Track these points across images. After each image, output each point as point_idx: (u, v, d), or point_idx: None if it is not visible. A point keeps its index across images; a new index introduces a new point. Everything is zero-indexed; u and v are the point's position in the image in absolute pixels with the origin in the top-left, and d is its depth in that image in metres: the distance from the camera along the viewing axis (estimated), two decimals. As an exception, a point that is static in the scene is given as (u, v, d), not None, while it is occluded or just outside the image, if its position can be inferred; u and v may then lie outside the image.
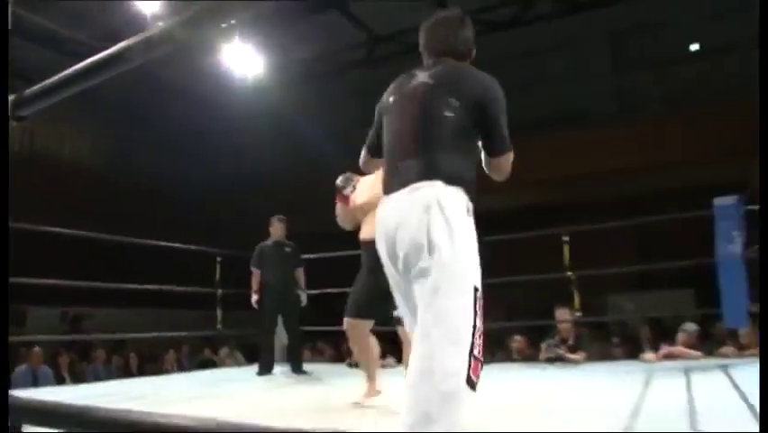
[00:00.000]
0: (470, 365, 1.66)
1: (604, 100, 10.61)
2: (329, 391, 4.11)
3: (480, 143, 2.00)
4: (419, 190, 1.82)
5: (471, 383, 1.65)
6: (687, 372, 4.08)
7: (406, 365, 3.17)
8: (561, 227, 5.51)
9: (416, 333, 1.75)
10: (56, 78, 1.43)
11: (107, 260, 7.73)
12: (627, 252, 8.97)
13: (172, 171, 11.48)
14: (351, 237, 3.53)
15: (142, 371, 8.18)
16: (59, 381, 7.03)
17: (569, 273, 5.21)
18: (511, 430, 2.45)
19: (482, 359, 1.71)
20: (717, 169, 7.81)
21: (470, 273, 1.77)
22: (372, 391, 3.37)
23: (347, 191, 3.37)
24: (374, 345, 3.49)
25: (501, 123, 1.97)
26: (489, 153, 2.00)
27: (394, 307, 3.11)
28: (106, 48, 1.38)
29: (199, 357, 8.88)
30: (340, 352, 7.46)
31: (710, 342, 5.45)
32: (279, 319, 5.70)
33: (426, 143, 1.90)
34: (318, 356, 7.75)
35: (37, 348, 6.77)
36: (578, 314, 5.36)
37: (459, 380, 1.63)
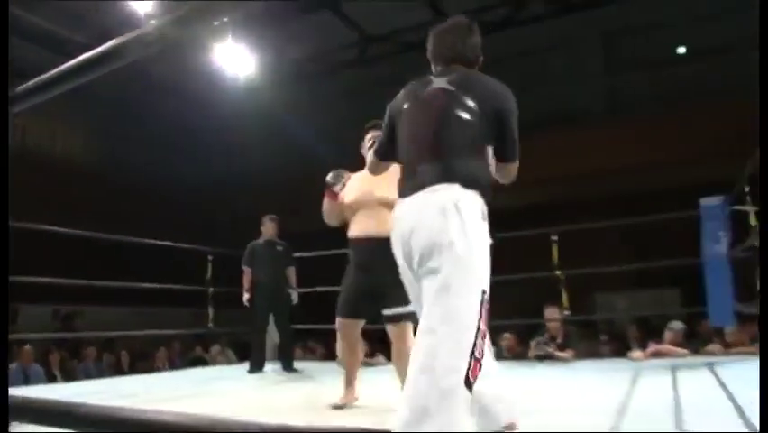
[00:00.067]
0: (469, 365, 1.68)
1: (596, 100, 10.68)
2: (320, 389, 4.13)
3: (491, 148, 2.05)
4: (436, 192, 1.87)
5: (469, 383, 1.68)
6: (673, 369, 4.13)
7: (396, 363, 3.20)
8: (550, 227, 5.55)
9: (420, 327, 1.77)
10: (47, 74, 1.45)
11: (99, 257, 7.72)
12: (616, 251, 9.02)
13: (164, 170, 11.47)
14: (342, 236, 3.52)
15: (134, 369, 8.17)
16: (51, 379, 7.02)
17: (557, 272, 5.25)
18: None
19: (482, 361, 1.74)
20: (705, 169, 7.86)
21: (481, 275, 1.81)
22: (350, 396, 3.34)
23: (337, 188, 3.34)
24: (360, 350, 3.49)
25: (515, 130, 2.05)
26: (502, 159, 2.07)
27: (384, 305, 3.15)
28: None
29: (191, 355, 8.88)
30: (331, 350, 7.48)
31: (697, 340, 5.51)
32: (271, 318, 5.73)
33: (445, 147, 1.95)
34: (310, 355, 7.77)
35: (28, 346, 6.76)
36: (566, 312, 5.41)
37: (459, 378, 1.66)
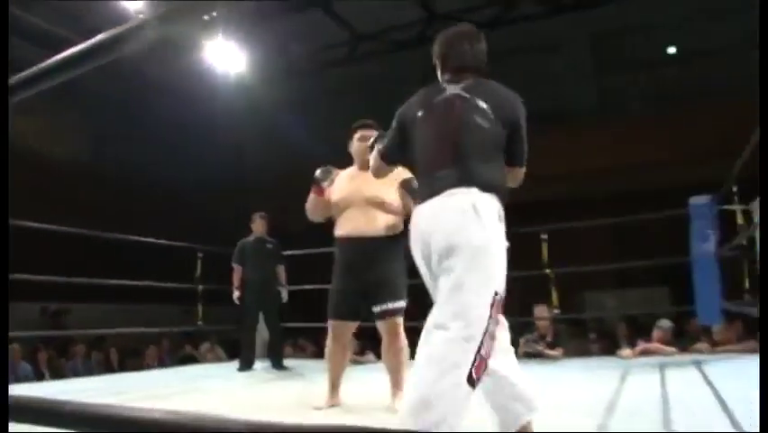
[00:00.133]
0: (474, 363, 1.73)
1: (585, 100, 10.72)
2: (309, 387, 4.13)
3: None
4: (455, 196, 1.92)
5: (472, 381, 1.72)
6: (662, 367, 4.16)
7: (387, 359, 3.19)
8: (540, 225, 5.57)
9: (430, 322, 1.82)
10: (34, 69, 1.43)
11: (88, 255, 7.68)
12: (606, 250, 9.08)
13: (154, 167, 11.42)
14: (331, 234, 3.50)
15: (123, 366, 8.13)
16: (39, 377, 6.98)
17: (547, 271, 5.27)
18: (489, 426, 2.49)
19: (488, 360, 1.78)
20: (694, 169, 7.92)
21: (495, 276, 1.85)
22: (334, 399, 3.32)
23: (324, 184, 3.31)
24: (348, 352, 3.46)
25: (525, 136, 2.12)
26: (511, 164, 2.13)
27: (374, 301, 3.14)
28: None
29: (180, 353, 8.86)
30: (321, 348, 7.47)
31: (685, 338, 5.54)
32: (261, 316, 5.72)
33: (463, 153, 2.00)
34: (300, 352, 7.77)
35: (15, 345, 6.72)
36: (556, 311, 5.43)
37: (462, 374, 1.71)
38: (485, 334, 1.76)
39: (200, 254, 6.19)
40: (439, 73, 2.30)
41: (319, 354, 7.43)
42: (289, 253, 6.03)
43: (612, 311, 9.30)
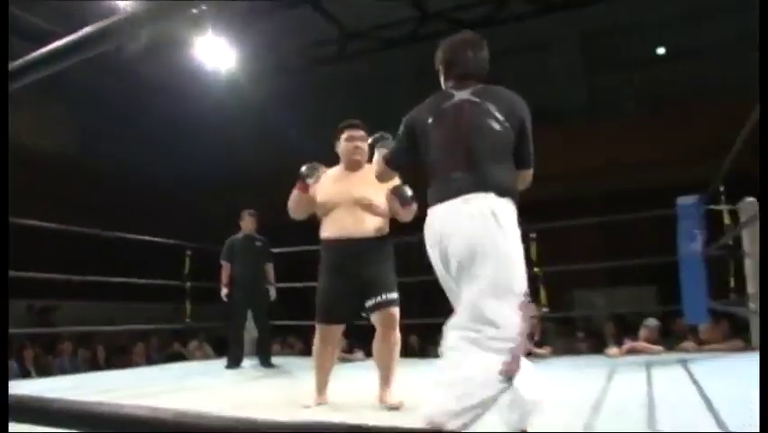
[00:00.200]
0: (511, 361, 1.88)
1: (575, 100, 10.76)
2: (297, 384, 4.12)
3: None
4: (473, 201, 2.00)
5: (509, 377, 1.88)
6: (648, 366, 4.17)
7: (379, 351, 3.17)
8: (529, 224, 5.59)
9: (462, 326, 1.93)
10: (20, 61, 1.41)
11: (76, 251, 7.63)
12: (595, 249, 9.12)
13: (143, 163, 11.37)
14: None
15: (110, 364, 8.09)
16: (25, 375, 6.92)
17: (536, 269, 5.29)
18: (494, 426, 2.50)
19: (522, 358, 1.94)
20: (685, 168, 7.97)
21: (521, 278, 1.98)
22: (322, 398, 3.30)
23: (310, 180, 3.28)
24: (336, 353, 3.44)
25: (531, 139, 2.20)
26: (522, 165, 2.20)
27: (369, 295, 3.12)
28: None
29: (168, 350, 8.82)
30: (310, 346, 7.47)
31: (672, 337, 5.58)
32: (249, 313, 5.71)
33: (478, 156, 2.08)
34: (288, 350, 7.76)
35: (1, 342, 6.66)
36: (544, 309, 5.45)
37: (500, 372, 1.85)
38: (519, 335, 1.90)
39: (189, 252, 6.17)
40: (442, 79, 2.35)
41: (307, 351, 7.38)
42: (278, 250, 6.01)
43: (601, 310, 9.34)
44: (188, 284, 6.17)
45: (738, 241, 4.60)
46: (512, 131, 2.13)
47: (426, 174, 2.23)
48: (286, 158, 11.21)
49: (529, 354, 5.56)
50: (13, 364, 6.82)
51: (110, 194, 10.63)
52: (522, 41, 10.30)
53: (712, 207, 4.49)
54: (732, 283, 4.58)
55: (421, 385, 3.22)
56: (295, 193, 3.34)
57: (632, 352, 5.13)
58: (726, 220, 4.46)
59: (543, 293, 5.37)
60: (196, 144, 11.92)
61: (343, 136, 3.36)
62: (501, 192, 2.03)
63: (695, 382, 3.43)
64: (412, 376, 3.40)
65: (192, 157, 11.98)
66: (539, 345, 5.49)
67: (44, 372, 7.23)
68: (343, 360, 5.34)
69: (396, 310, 3.16)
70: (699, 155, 7.27)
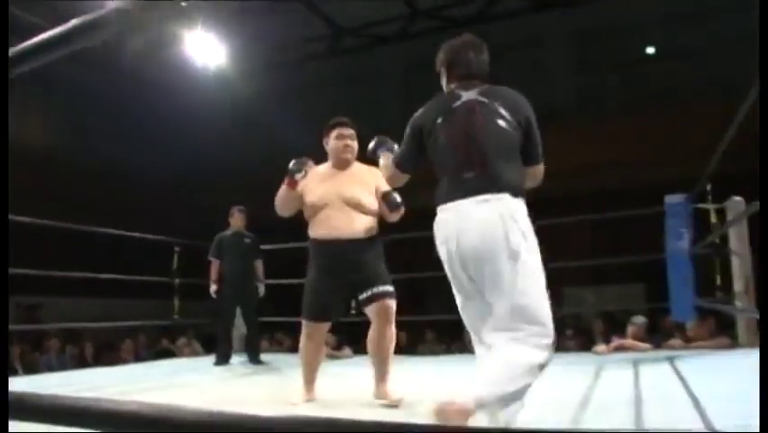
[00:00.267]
0: (549, 355, 2.05)
1: (566, 98, 10.79)
2: (286, 381, 4.12)
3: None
4: (490, 203, 2.07)
5: (542, 367, 2.04)
6: (635, 363, 4.20)
7: (375, 344, 3.15)
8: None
9: (500, 327, 2.05)
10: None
11: (63, 247, 7.58)
12: (584, 247, 9.16)
13: (132, 159, 11.30)
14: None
15: (98, 361, 8.05)
16: (11, 372, 6.88)
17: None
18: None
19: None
20: (670, 167, 8.01)
21: (542, 274, 2.11)
22: (310, 395, 3.29)
23: (298, 176, 3.26)
24: (323, 349, 3.43)
25: (538, 134, 2.27)
26: (531, 162, 2.27)
27: (363, 288, 3.11)
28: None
29: (157, 347, 8.78)
30: (298, 343, 7.46)
31: (659, 334, 5.61)
32: (238, 310, 5.70)
33: (488, 155, 2.13)
34: (277, 346, 7.75)
35: (-13, 339, 6.60)
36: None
37: (539, 368, 2.02)
38: (553, 329, 2.06)
39: (177, 248, 6.14)
40: (444, 81, 2.40)
41: (296, 348, 7.38)
42: (267, 247, 6.00)
43: (590, 307, 9.37)
44: (177, 281, 6.14)
45: (725, 239, 4.64)
46: (519, 129, 2.19)
47: (435, 173, 2.27)
48: (276, 154, 11.23)
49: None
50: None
51: (98, 190, 10.57)
52: (514, 39, 10.33)
53: (699, 205, 4.52)
54: (718, 281, 4.61)
55: (415, 382, 3.25)
56: (283, 189, 3.30)
57: (620, 349, 5.16)
58: (713, 219, 4.49)
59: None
60: (185, 140, 11.88)
61: (333, 134, 3.34)
62: (515, 192, 2.11)
63: (681, 379, 3.45)
64: (401, 374, 3.41)
65: (181, 153, 11.93)
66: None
67: (31, 369, 7.19)
68: (332, 357, 5.34)
69: (392, 303, 3.14)
70: (687, 154, 7.31)
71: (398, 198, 3.15)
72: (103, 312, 8.30)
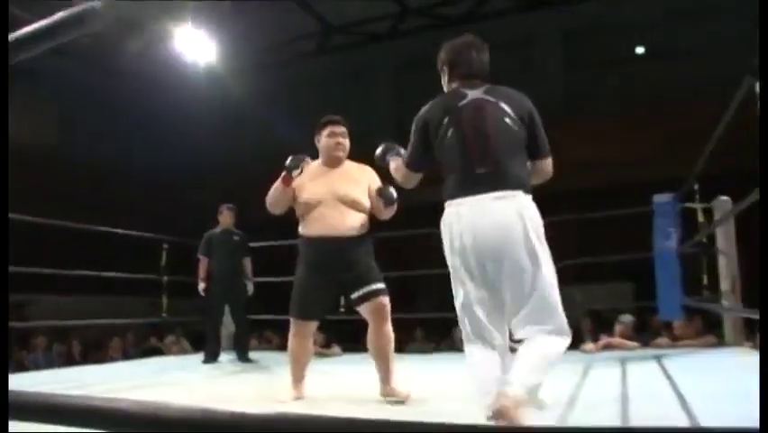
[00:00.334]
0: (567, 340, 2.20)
1: (556, 97, 10.82)
2: (274, 379, 4.11)
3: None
4: (506, 199, 2.14)
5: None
6: (623, 362, 4.22)
7: (376, 342, 3.13)
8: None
9: (527, 322, 2.15)
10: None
11: (51, 244, 7.53)
12: (573, 245, 9.19)
13: (121, 155, 11.24)
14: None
15: (86, 359, 8.00)
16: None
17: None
18: (453, 418, 2.51)
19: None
20: (658, 167, 8.06)
21: (554, 269, 2.23)
22: (298, 392, 3.28)
23: (295, 173, 3.22)
24: (311, 346, 3.41)
25: (543, 129, 2.32)
26: (539, 156, 2.32)
27: (357, 286, 3.10)
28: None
29: (145, 345, 8.75)
30: (287, 341, 7.45)
31: (647, 333, 5.64)
32: (226, 308, 5.68)
33: (500, 153, 2.19)
34: (265, 344, 7.74)
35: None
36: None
37: (563, 352, 2.19)
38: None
39: (165, 245, 6.10)
40: (446, 80, 2.44)
41: (285, 346, 7.38)
42: (256, 244, 5.99)
43: (578, 306, 9.40)
44: (165, 278, 6.11)
45: (712, 239, 4.67)
46: (524, 126, 2.24)
47: (440, 171, 2.30)
48: (266, 151, 11.21)
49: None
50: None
51: (86, 186, 10.49)
52: (503, 38, 10.34)
53: (687, 205, 4.55)
54: (705, 280, 4.65)
55: (407, 381, 3.25)
56: (277, 186, 3.26)
57: (608, 348, 5.19)
58: (701, 218, 4.52)
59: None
60: (175, 137, 11.82)
61: (325, 132, 3.32)
62: (526, 190, 2.19)
63: (668, 377, 3.48)
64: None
65: (170, 149, 11.87)
66: (517, 340, 5.52)
67: (18, 367, 7.14)
68: (321, 355, 5.34)
69: (386, 300, 3.14)
70: (674, 154, 7.36)
71: (395, 193, 3.12)
72: (91, 310, 8.25)
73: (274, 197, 3.29)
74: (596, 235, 8.79)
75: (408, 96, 12.39)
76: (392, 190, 3.13)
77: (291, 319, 3.26)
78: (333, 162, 3.32)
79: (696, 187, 4.44)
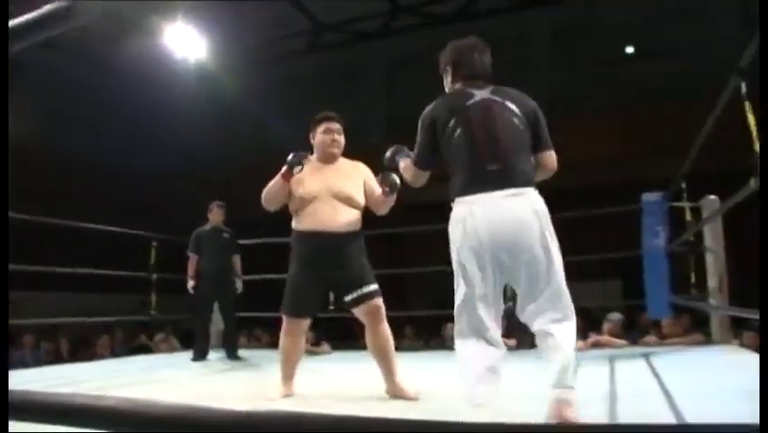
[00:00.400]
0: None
1: (545, 96, 10.85)
2: (263, 377, 4.11)
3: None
4: (520, 196, 2.20)
5: None
6: (611, 360, 4.25)
7: (376, 343, 3.13)
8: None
9: (550, 318, 2.22)
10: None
11: (39, 241, 7.47)
12: (562, 243, 9.22)
13: (110, 151, 11.18)
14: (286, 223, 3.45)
15: (74, 357, 7.95)
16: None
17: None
18: (443, 416, 2.51)
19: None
20: (647, 166, 8.10)
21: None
22: (288, 390, 3.26)
23: (296, 170, 3.19)
24: (302, 348, 3.39)
25: (545, 124, 2.40)
26: (542, 147, 2.37)
27: (352, 288, 3.10)
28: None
29: (134, 343, 8.71)
30: (277, 338, 7.44)
31: (635, 331, 5.68)
32: (215, 306, 5.67)
33: (510, 151, 2.24)
34: (255, 342, 7.73)
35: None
36: (510, 304, 5.49)
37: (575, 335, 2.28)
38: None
39: (154, 243, 6.08)
40: (449, 80, 2.48)
41: (274, 344, 7.38)
42: (245, 242, 5.98)
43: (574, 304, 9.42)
44: (154, 276, 6.09)
45: (700, 237, 4.71)
46: (529, 125, 2.31)
47: (449, 167, 2.33)
48: (257, 149, 11.19)
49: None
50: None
51: (75, 183, 10.42)
52: (493, 37, 10.34)
53: (675, 204, 4.57)
54: (693, 279, 4.68)
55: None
56: (277, 181, 3.23)
57: (596, 345, 5.21)
58: (688, 217, 4.55)
59: (509, 288, 5.41)
60: (166, 134, 11.78)
61: (320, 128, 3.30)
62: (534, 186, 2.26)
63: (656, 375, 3.50)
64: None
65: (159, 146, 11.83)
66: (506, 336, 5.54)
67: (5, 364, 7.08)
68: (310, 353, 5.33)
69: (380, 301, 3.14)
70: (662, 153, 7.40)
71: (398, 180, 3.06)
72: (79, 307, 8.21)
73: (272, 192, 3.26)
74: (584, 234, 8.84)
75: (399, 94, 12.42)
76: (395, 177, 3.10)
77: (284, 317, 3.24)
78: (328, 159, 3.31)
79: (684, 186, 4.47)
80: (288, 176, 3.20)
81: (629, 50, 11.10)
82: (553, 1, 9.79)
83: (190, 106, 11.53)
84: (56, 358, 7.85)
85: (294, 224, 3.26)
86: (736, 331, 5.11)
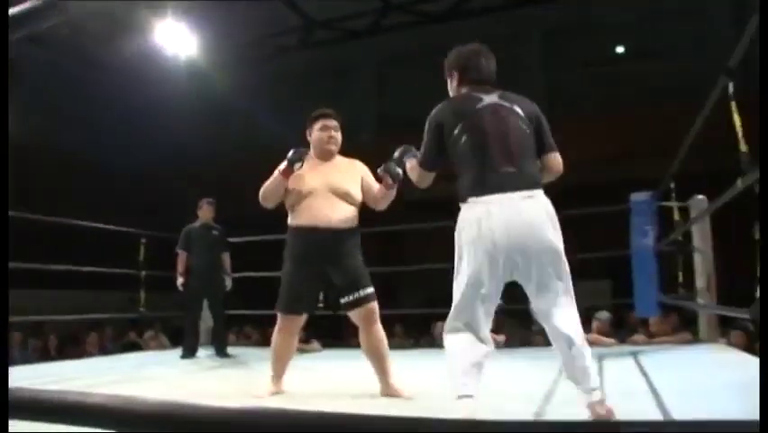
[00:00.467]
0: None
1: (536, 95, 10.88)
2: (252, 374, 4.11)
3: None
4: (533, 199, 2.25)
5: None
6: (600, 358, 4.26)
7: (371, 346, 3.15)
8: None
9: (563, 316, 2.28)
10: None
11: (27, 238, 7.42)
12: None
13: (100, 148, 11.11)
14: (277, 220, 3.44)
15: (63, 354, 7.91)
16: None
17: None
18: (432, 414, 2.52)
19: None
20: (635, 166, 8.14)
21: None
22: (278, 388, 3.26)
23: (297, 166, 3.18)
24: (294, 346, 3.37)
25: (549, 131, 2.46)
26: (547, 150, 2.42)
27: (348, 290, 3.10)
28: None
29: (123, 340, 8.67)
30: (266, 336, 7.43)
31: (624, 330, 5.71)
32: (205, 303, 5.66)
33: (520, 155, 2.29)
34: (245, 340, 7.71)
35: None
36: (500, 302, 5.50)
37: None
38: None
39: (143, 240, 6.05)
40: (455, 84, 2.52)
41: (264, 341, 7.38)
42: (235, 240, 5.97)
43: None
44: (143, 273, 6.06)
45: (688, 237, 4.73)
46: (533, 129, 2.37)
47: (457, 168, 2.36)
48: (247, 145, 11.16)
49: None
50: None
51: (64, 179, 10.37)
52: (485, 36, 10.36)
53: (663, 203, 4.60)
54: (681, 278, 4.71)
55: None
56: (275, 178, 3.22)
57: (585, 344, 5.23)
58: (677, 216, 4.58)
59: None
60: (157, 131, 11.72)
61: (317, 125, 3.30)
62: (542, 189, 2.30)
63: (644, 373, 3.52)
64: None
65: (150, 143, 11.77)
66: (495, 332, 5.55)
67: (-9, 362, 7.03)
68: (301, 351, 5.32)
69: (375, 305, 3.15)
70: (652, 153, 7.44)
71: (399, 170, 3.05)
72: (67, 304, 8.16)
73: (270, 188, 3.24)
74: (573, 233, 8.87)
75: (390, 92, 12.43)
76: (397, 168, 3.08)
77: (278, 315, 3.23)
78: (325, 156, 3.31)
79: (672, 185, 4.50)
80: (288, 172, 3.19)
81: (620, 49, 11.15)
82: (545, 0, 9.81)
83: (181, 103, 11.48)
84: (44, 355, 7.80)
85: (290, 220, 3.25)
86: (724, 330, 5.15)
